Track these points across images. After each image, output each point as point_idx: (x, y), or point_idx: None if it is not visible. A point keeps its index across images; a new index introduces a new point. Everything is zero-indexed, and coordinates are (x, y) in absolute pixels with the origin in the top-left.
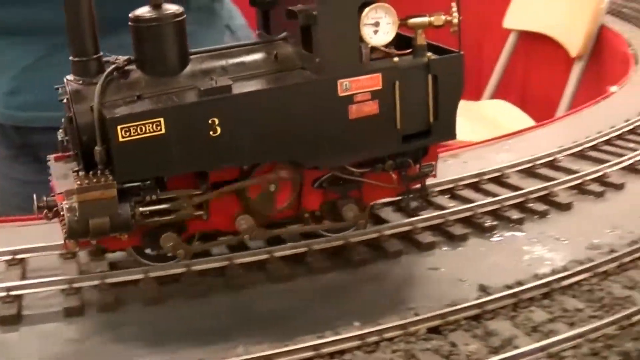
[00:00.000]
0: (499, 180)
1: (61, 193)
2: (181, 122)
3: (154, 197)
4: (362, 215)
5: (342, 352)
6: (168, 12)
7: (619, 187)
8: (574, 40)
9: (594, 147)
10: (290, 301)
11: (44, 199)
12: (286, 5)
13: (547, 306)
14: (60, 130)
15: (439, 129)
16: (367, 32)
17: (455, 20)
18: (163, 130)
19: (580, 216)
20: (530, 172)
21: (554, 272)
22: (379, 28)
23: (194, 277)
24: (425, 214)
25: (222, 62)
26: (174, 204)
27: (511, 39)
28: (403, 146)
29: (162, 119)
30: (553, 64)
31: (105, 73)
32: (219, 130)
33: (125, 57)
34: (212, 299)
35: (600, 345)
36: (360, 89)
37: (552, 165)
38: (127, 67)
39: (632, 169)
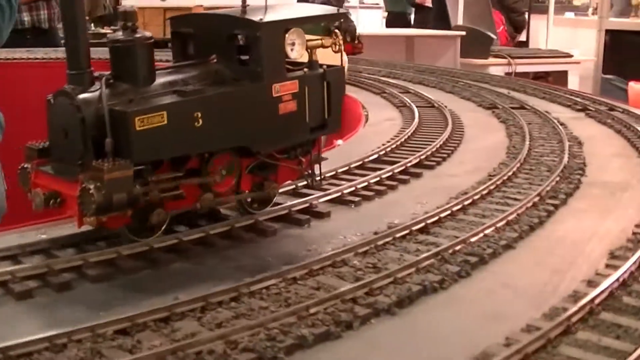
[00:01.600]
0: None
1: (74, 181)
2: (177, 115)
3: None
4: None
5: (30, 354)
6: (143, 35)
7: (325, 215)
8: None
9: (305, 186)
10: None
11: (42, 193)
12: (206, 35)
13: (234, 307)
14: (31, 143)
15: (332, 123)
16: (288, 49)
17: (340, 42)
18: (165, 122)
19: (284, 241)
20: None
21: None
22: (294, 47)
23: None
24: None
25: (180, 76)
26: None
27: None
28: (311, 135)
29: (165, 112)
30: None
31: (103, 82)
32: (200, 122)
33: (108, 73)
34: None
35: (277, 331)
36: (285, 91)
37: None
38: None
39: (338, 200)
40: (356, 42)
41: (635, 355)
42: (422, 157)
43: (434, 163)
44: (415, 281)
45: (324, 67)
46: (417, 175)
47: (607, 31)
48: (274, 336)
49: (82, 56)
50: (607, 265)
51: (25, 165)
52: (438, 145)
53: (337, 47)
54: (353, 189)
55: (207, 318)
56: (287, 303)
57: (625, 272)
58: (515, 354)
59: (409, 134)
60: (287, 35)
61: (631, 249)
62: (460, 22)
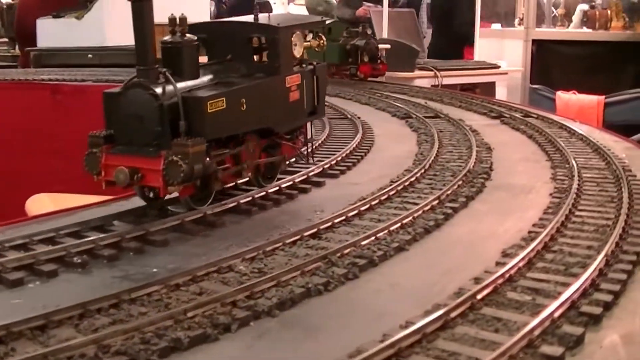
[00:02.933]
0: None
1: (155, 157)
2: (231, 100)
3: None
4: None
5: None
6: (191, 38)
7: (218, 224)
8: None
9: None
10: None
11: (127, 170)
12: (221, 39)
13: (112, 314)
14: (93, 133)
15: (319, 109)
16: (293, 49)
17: (324, 43)
18: (224, 106)
19: (174, 250)
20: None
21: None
22: (296, 47)
23: None
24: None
25: (214, 71)
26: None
27: None
28: (307, 119)
29: (224, 99)
30: None
31: (170, 76)
32: (245, 106)
33: (166, 69)
34: None
35: (151, 334)
36: (293, 83)
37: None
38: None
39: (235, 210)
40: (378, 62)
41: (507, 345)
42: (326, 166)
43: (337, 172)
44: (299, 284)
45: (314, 64)
46: (319, 185)
47: (533, 41)
48: (148, 339)
49: (149, 56)
50: (497, 263)
51: (94, 150)
52: (344, 155)
53: (321, 48)
54: (250, 198)
55: (84, 325)
56: (167, 308)
57: (511, 268)
58: (387, 348)
59: (316, 145)
60: (292, 37)
61: (523, 247)
62: (385, 35)
